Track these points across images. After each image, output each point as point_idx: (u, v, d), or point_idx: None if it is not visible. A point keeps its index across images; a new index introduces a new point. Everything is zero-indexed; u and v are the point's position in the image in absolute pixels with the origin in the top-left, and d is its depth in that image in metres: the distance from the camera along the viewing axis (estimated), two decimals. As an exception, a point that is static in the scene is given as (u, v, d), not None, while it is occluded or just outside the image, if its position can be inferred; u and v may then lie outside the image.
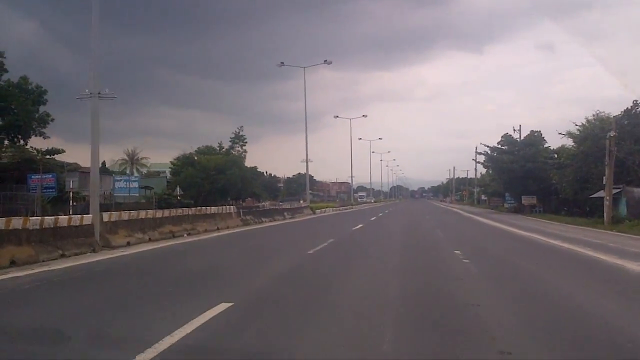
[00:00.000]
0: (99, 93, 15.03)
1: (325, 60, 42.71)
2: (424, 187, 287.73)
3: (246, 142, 75.32)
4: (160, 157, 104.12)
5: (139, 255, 12.87)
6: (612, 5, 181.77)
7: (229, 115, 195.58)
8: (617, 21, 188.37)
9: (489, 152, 52.05)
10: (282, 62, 43.62)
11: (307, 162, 41.17)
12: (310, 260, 11.98)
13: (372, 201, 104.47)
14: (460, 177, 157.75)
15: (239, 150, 76.16)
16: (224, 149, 75.92)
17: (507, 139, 51.29)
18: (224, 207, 22.97)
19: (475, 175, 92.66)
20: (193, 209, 20.03)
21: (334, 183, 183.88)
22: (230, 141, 76.97)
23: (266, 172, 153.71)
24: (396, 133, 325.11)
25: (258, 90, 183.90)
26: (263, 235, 20.08)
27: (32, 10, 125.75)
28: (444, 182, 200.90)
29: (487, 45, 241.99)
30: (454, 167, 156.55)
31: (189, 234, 18.05)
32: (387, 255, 13.30)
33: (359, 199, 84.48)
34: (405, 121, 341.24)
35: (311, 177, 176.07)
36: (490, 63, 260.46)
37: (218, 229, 20.71)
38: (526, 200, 49.14)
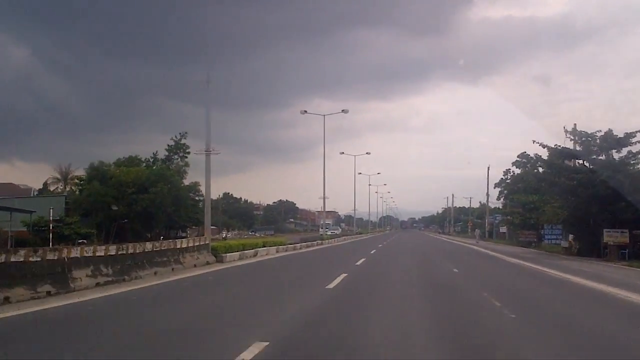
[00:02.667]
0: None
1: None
2: (414, 218, 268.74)
3: (188, 153, 53.48)
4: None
5: None
6: (609, 37, 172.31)
7: (224, 145, 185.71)
8: (611, 54, 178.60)
9: (548, 155, 30.85)
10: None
11: (207, 161, 19.82)
12: None
13: (338, 232, 77.88)
14: (458, 206, 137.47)
15: (179, 164, 54.44)
16: (158, 162, 54.33)
17: (580, 136, 29.80)
18: None
19: (487, 202, 72.28)
20: None
21: (320, 212, 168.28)
22: (167, 150, 55.41)
23: (242, 199, 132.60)
24: (387, 163, 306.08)
25: (253, 118, 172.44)
26: None
27: (24, 36, 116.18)
28: (440, 211, 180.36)
29: (483, 77, 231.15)
30: (452, 195, 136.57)
31: None
32: None
33: (320, 230, 63.43)
34: (396, 151, 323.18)
35: (293, 204, 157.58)
36: (485, 95, 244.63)
37: None
38: (611, 236, 28.43)
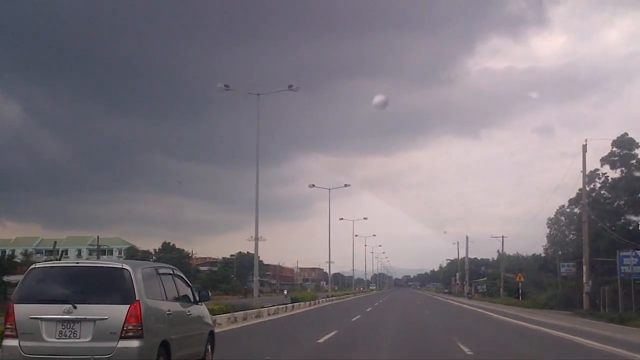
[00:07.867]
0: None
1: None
2: (409, 275, 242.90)
3: None
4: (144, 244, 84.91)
5: None
6: (607, 90, 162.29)
7: (216, 203, 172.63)
8: (606, 109, 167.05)
9: None
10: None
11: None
12: None
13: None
14: (475, 257, 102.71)
15: None
16: None
17: None
18: None
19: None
20: None
21: (303, 269, 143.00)
22: None
23: (182, 250, 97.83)
24: (380, 219, 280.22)
25: (249, 175, 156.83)
26: None
27: (16, 92, 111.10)
28: (443, 265, 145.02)
29: (484, 129, 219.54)
30: (467, 237, 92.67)
31: None
32: None
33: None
34: (390, 208, 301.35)
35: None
36: (485, 148, 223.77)
37: None
38: None
